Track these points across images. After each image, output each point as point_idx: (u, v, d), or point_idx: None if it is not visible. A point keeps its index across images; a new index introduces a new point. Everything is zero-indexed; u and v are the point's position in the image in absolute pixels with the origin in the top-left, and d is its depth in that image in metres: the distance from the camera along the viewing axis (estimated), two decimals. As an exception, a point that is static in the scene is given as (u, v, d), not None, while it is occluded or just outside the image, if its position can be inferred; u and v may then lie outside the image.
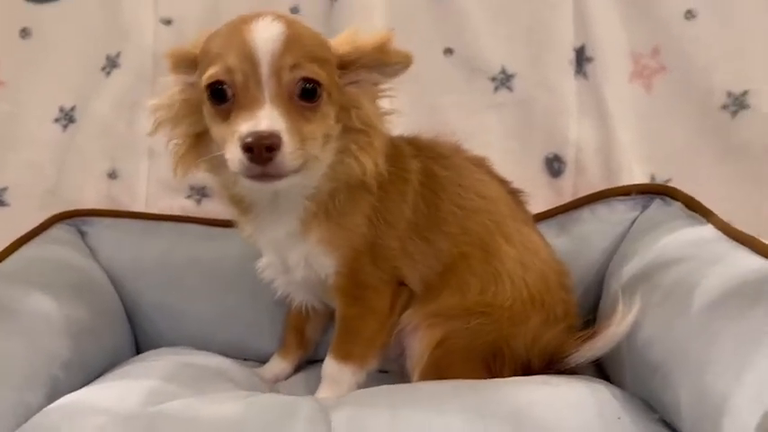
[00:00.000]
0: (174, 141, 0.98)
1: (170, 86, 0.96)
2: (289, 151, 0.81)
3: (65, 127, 1.43)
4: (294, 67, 0.84)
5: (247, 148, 0.80)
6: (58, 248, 1.26)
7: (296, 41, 0.85)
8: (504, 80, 1.39)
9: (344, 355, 1.04)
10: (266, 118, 0.82)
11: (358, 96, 0.93)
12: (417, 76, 1.38)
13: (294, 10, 1.41)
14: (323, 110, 0.88)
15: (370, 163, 0.94)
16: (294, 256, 1.02)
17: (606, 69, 1.36)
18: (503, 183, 1.16)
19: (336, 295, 1.04)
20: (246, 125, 0.81)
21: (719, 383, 0.72)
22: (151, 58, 1.40)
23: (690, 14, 1.32)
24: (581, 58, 1.37)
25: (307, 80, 0.85)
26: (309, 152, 0.86)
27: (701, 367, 0.76)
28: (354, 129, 0.94)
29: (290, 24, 0.87)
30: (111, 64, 1.42)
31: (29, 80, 1.43)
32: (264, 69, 0.83)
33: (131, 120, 1.41)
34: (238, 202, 1.03)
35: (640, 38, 1.35)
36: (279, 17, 0.88)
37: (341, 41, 0.94)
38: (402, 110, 1.35)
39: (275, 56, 0.83)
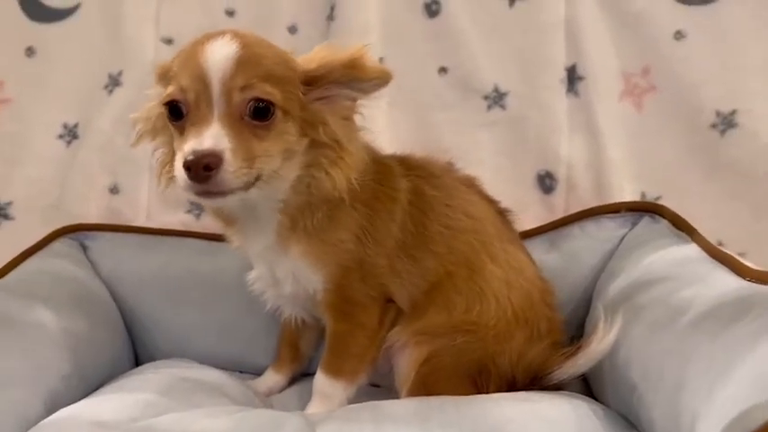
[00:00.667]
0: (159, 154, 1.00)
1: (153, 99, 0.99)
2: (231, 170, 0.83)
3: (68, 143, 1.47)
4: (245, 87, 0.86)
5: (187, 167, 0.82)
6: (59, 262, 1.29)
7: (248, 62, 0.86)
8: (497, 98, 1.41)
9: (335, 371, 1.06)
10: (210, 137, 0.83)
11: (323, 113, 0.93)
12: (412, 94, 1.44)
13: (292, 29, 1.45)
14: (278, 128, 0.89)
15: (341, 177, 0.95)
16: (281, 270, 1.05)
17: (597, 88, 1.38)
18: (491, 202, 1.18)
19: (325, 311, 1.07)
20: (190, 144, 0.83)
21: (692, 403, 0.74)
22: (152, 76, 1.43)
23: (679, 35, 1.35)
24: (572, 77, 1.39)
25: (258, 100, 0.86)
26: (262, 169, 0.87)
27: (675, 386, 0.77)
28: (323, 143, 0.95)
29: (246, 44, 0.88)
30: (114, 82, 1.45)
31: (34, 98, 1.46)
32: (215, 89, 0.85)
33: (132, 136, 1.43)
34: (220, 214, 1.05)
35: (631, 58, 1.38)
36: (237, 36, 0.88)
37: (309, 58, 0.95)
38: (396, 127, 1.43)
39: (225, 77, 0.85)
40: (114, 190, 1.46)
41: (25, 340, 1.03)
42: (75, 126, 1.46)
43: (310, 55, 0.96)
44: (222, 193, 0.85)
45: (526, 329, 1.04)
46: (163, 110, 0.92)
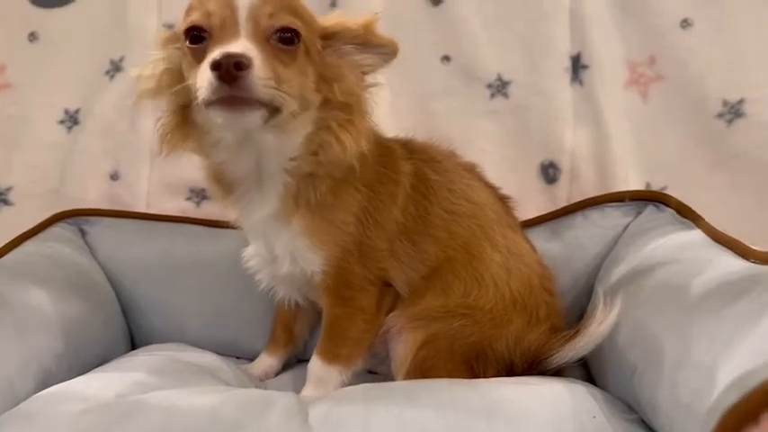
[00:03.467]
0: (162, 121, 0.99)
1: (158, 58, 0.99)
2: (259, 75, 0.81)
3: (69, 129, 1.46)
4: (272, 15, 0.86)
5: (216, 66, 0.80)
6: (57, 246, 1.29)
7: None
8: (500, 87, 1.40)
9: (331, 356, 1.04)
10: (239, 46, 0.82)
11: (341, 67, 0.93)
12: (415, 83, 1.42)
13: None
14: (300, 60, 0.88)
15: (351, 142, 0.94)
16: (280, 246, 1.02)
17: (602, 77, 1.37)
18: (491, 189, 1.17)
19: (323, 295, 1.05)
20: (218, 51, 0.82)
21: (694, 379, 0.71)
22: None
23: (686, 23, 1.33)
24: (577, 66, 1.38)
25: (284, 29, 0.87)
26: (284, 97, 0.86)
27: (676, 364, 0.75)
28: (335, 104, 0.94)
29: None
30: (115, 68, 1.45)
31: (36, 83, 1.46)
32: (242, 14, 0.85)
33: (134, 122, 1.44)
34: (221, 180, 1.03)
35: (636, 46, 1.36)
36: None
37: (326, 18, 0.96)
38: (400, 115, 1.41)
39: (255, 5, 0.86)
40: (115, 176, 1.45)
41: (18, 319, 1.02)
42: (77, 111, 1.46)
43: (325, 17, 0.97)
44: (248, 103, 0.83)
45: (524, 314, 1.02)
46: (182, 56, 0.92)
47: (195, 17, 0.88)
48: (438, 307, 1.02)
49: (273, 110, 0.87)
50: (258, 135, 0.93)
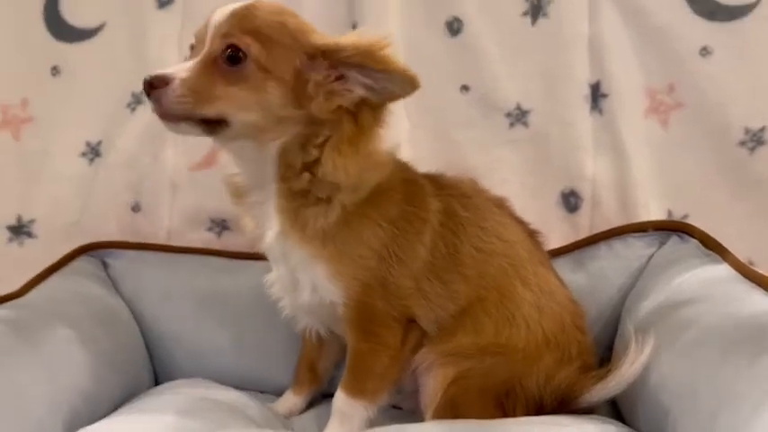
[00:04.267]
0: None
1: None
2: (173, 94, 0.90)
3: (91, 161, 1.47)
4: (226, 34, 0.92)
5: (143, 83, 0.92)
6: (81, 280, 1.30)
7: (240, 16, 0.93)
8: (519, 116, 1.40)
9: (356, 390, 1.04)
10: (177, 66, 0.93)
11: (317, 88, 0.93)
12: (434, 113, 1.43)
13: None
14: (253, 80, 0.92)
15: (339, 162, 0.94)
16: (301, 272, 1.02)
17: (622, 105, 1.37)
18: (522, 224, 1.16)
19: (347, 329, 1.05)
20: None
21: (730, 429, 0.71)
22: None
23: (705, 51, 1.33)
24: (596, 94, 1.38)
25: (232, 47, 0.91)
26: (224, 111, 0.92)
27: (711, 412, 0.75)
28: (325, 121, 0.94)
29: (255, 6, 0.95)
30: (136, 100, 1.46)
31: (58, 116, 1.47)
32: (209, 33, 0.94)
33: (155, 154, 1.45)
34: (234, 187, 1.06)
35: (656, 74, 1.36)
36: (254, 2, 0.95)
37: (333, 37, 0.96)
38: (419, 145, 1.42)
39: (218, 25, 0.93)
40: (136, 208, 1.46)
41: (47, 359, 1.02)
42: (98, 144, 1.47)
43: (339, 37, 0.97)
44: (167, 116, 0.93)
45: (556, 352, 1.02)
46: None
47: (194, 33, 0.98)
48: (469, 345, 1.01)
49: (216, 122, 0.93)
50: (235, 143, 0.99)
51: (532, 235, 1.17)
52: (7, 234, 1.46)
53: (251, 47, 0.91)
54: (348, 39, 0.94)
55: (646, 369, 0.91)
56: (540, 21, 1.39)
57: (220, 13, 0.94)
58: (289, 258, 1.03)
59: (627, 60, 1.37)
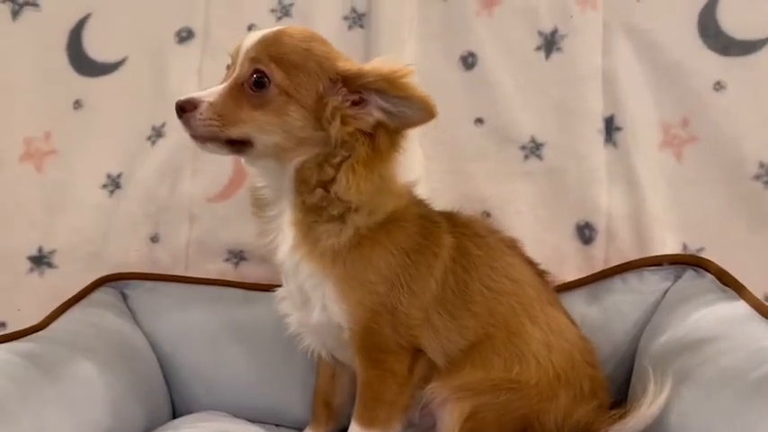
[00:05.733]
0: None
1: None
2: (200, 117, 0.96)
3: (111, 192, 1.50)
4: (252, 59, 0.97)
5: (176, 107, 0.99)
6: (101, 312, 1.31)
7: (268, 43, 0.98)
8: (533, 149, 1.41)
9: (368, 420, 1.05)
10: (208, 91, 0.99)
11: (335, 111, 0.96)
12: (448, 145, 1.45)
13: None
14: (276, 104, 0.97)
15: (353, 182, 0.97)
16: (311, 289, 1.04)
17: (636, 138, 1.38)
18: (531, 265, 1.18)
19: (355, 355, 1.06)
20: None
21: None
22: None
23: (719, 86, 1.34)
24: (610, 128, 1.39)
25: (258, 72, 0.97)
26: (249, 133, 0.97)
27: (732, 456, 0.75)
28: (342, 143, 0.97)
29: (285, 33, 1.00)
30: (157, 134, 1.49)
31: (79, 149, 1.50)
32: (240, 57, 0.99)
33: (174, 186, 1.47)
34: (256, 198, 1.10)
35: (670, 108, 1.37)
36: (292, 27, 1.02)
37: (357, 63, 1.00)
38: (433, 177, 1.43)
39: (247, 51, 0.98)
40: (155, 239, 1.48)
41: (69, 394, 1.04)
42: (119, 176, 1.49)
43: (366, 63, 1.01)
44: (196, 138, 0.99)
45: (570, 389, 1.02)
46: None
47: (229, 53, 1.03)
48: (481, 380, 1.02)
49: (241, 143, 0.99)
50: (259, 161, 1.03)
51: (541, 275, 1.18)
52: (28, 264, 1.48)
53: (275, 73, 0.96)
54: (371, 65, 0.98)
55: (665, 409, 0.91)
56: (554, 55, 1.41)
57: (252, 38, 0.99)
58: (298, 273, 1.05)
59: (641, 94, 1.38)
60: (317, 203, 1.00)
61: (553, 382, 1.02)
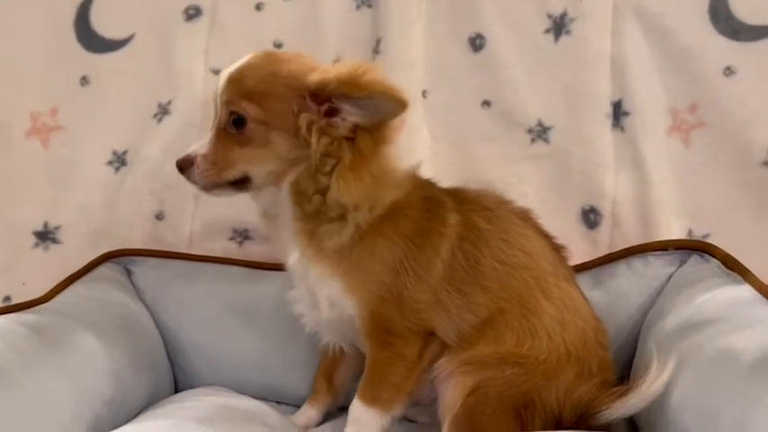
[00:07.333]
0: None
1: None
2: (197, 171, 1.02)
3: (117, 169, 1.50)
4: (227, 102, 1.01)
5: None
6: (105, 287, 1.32)
7: (237, 82, 1.01)
8: (540, 132, 1.41)
9: (371, 398, 1.05)
10: (196, 145, 1.03)
11: (310, 126, 0.98)
12: (455, 127, 1.44)
13: (338, 62, 1.47)
14: (258, 137, 1.00)
15: (343, 185, 0.99)
16: (319, 290, 1.06)
17: (644, 123, 1.37)
18: (546, 237, 1.17)
19: (365, 339, 1.07)
20: None
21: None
22: (201, 106, 1.46)
23: (729, 71, 1.33)
24: (618, 112, 1.38)
25: (234, 113, 1.00)
26: (246, 170, 1.02)
27: (734, 432, 0.75)
28: (320, 154, 0.99)
29: (246, 66, 1.02)
30: (163, 111, 1.49)
31: (86, 125, 1.50)
32: (218, 102, 1.03)
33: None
34: (263, 212, 1.12)
35: (678, 93, 1.36)
36: (255, 57, 1.04)
37: (319, 72, 1.00)
38: (440, 160, 1.43)
39: (221, 94, 1.02)
40: (159, 216, 1.48)
41: (72, 365, 1.05)
42: (125, 153, 1.50)
43: (320, 70, 1.01)
44: (202, 188, 1.04)
45: (577, 366, 1.02)
46: None
47: (211, 98, 1.06)
48: (490, 353, 1.02)
49: (240, 181, 1.03)
50: (261, 191, 1.06)
51: (557, 249, 1.17)
52: (34, 239, 1.49)
53: (248, 109, 0.99)
54: (331, 71, 0.98)
55: (667, 388, 0.91)
56: (563, 38, 1.40)
57: (222, 79, 1.03)
58: (307, 276, 1.07)
59: (650, 79, 1.37)
60: (317, 209, 1.03)
61: (562, 358, 1.01)
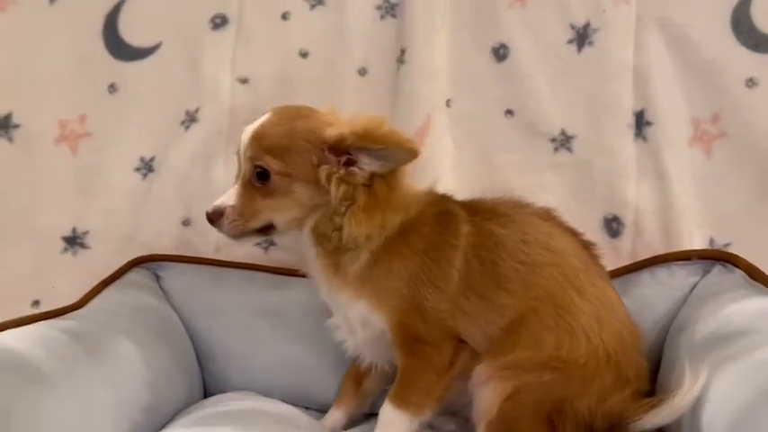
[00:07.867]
0: None
1: None
2: (227, 222, 1.09)
3: (144, 176, 1.52)
4: (251, 158, 1.08)
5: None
6: (136, 292, 1.34)
7: (260, 139, 1.08)
8: (563, 141, 1.42)
9: (401, 401, 1.08)
10: (224, 196, 1.10)
11: (329, 177, 1.06)
12: (479, 136, 1.46)
13: (362, 71, 1.48)
14: (281, 188, 1.08)
15: (357, 222, 1.07)
16: (351, 314, 1.12)
17: (666, 133, 1.39)
18: (574, 235, 1.18)
19: (396, 350, 1.10)
20: None
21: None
22: (227, 114, 1.49)
23: (751, 82, 1.34)
24: (640, 122, 1.40)
25: (258, 167, 1.08)
26: (270, 219, 1.10)
27: (770, 446, 0.77)
28: (339, 201, 1.07)
29: (268, 123, 1.10)
30: (191, 118, 1.50)
31: (114, 132, 1.52)
32: (242, 156, 1.11)
33: (206, 171, 1.49)
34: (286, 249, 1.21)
35: (700, 104, 1.38)
36: (275, 113, 1.12)
37: (336, 126, 1.07)
38: (463, 168, 1.45)
39: (245, 150, 1.10)
40: (186, 222, 1.50)
41: (112, 372, 1.06)
42: (152, 160, 1.52)
43: (337, 125, 1.08)
44: (231, 237, 1.11)
45: (615, 372, 1.03)
46: None
47: (236, 152, 1.13)
48: (529, 358, 1.04)
49: (265, 228, 1.11)
50: (284, 236, 1.15)
51: (587, 246, 1.18)
52: (62, 244, 1.51)
53: (271, 163, 1.07)
54: (348, 126, 1.05)
55: (698, 399, 0.92)
56: (586, 49, 1.42)
57: (246, 135, 1.10)
58: (339, 305, 1.14)
59: (672, 90, 1.39)
60: (336, 245, 1.10)
61: (601, 362, 1.03)
